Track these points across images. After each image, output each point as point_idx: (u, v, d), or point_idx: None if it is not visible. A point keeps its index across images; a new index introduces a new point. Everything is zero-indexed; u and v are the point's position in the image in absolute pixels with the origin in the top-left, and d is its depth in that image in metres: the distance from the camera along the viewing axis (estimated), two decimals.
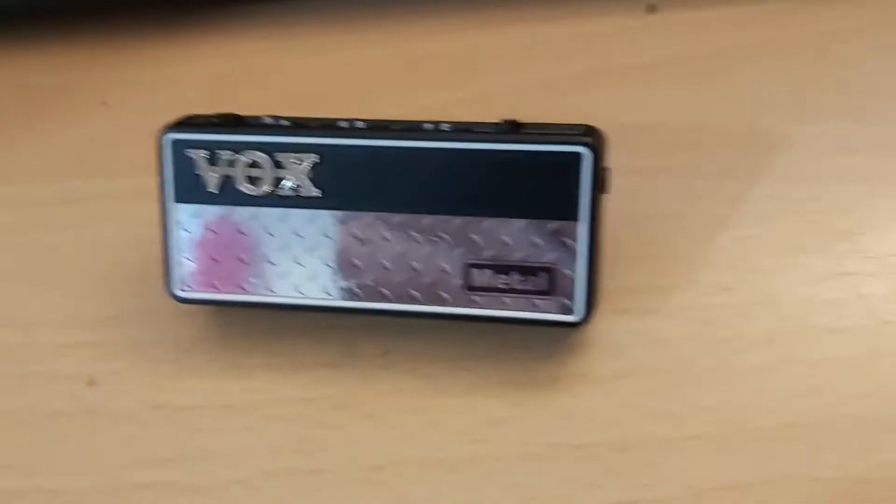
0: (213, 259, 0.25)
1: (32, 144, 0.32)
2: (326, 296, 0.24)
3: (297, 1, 0.34)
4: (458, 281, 0.23)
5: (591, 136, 0.23)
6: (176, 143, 0.24)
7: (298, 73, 0.32)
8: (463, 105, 0.30)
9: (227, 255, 0.24)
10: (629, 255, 0.26)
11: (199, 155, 0.24)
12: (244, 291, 0.25)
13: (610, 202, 0.26)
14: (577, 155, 0.22)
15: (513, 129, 0.23)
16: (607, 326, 0.25)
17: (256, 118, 0.25)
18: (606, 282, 0.26)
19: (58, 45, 0.34)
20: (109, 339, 0.27)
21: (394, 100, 0.31)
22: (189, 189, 0.24)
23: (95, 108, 0.32)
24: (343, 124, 0.24)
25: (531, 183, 0.23)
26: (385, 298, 0.24)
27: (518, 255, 0.23)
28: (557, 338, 0.25)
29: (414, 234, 0.23)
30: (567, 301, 0.23)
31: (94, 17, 0.34)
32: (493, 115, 0.30)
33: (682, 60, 0.30)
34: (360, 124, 0.24)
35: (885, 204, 0.26)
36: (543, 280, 0.23)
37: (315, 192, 0.24)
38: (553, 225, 0.23)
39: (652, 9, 0.32)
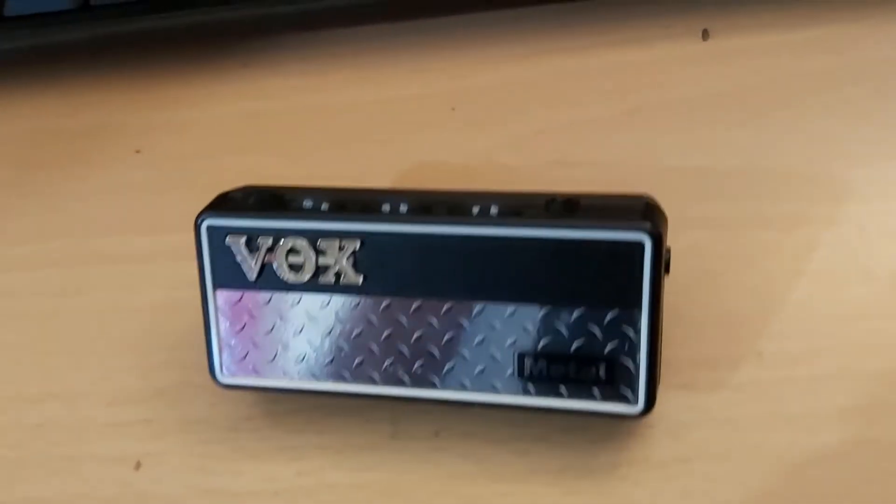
0: (255, 344, 0.24)
1: (65, 196, 0.31)
2: (371, 382, 0.23)
3: (328, 32, 0.32)
4: (510, 369, 0.22)
5: (651, 218, 0.21)
6: (213, 229, 0.23)
7: (331, 113, 0.31)
8: (508, 148, 0.29)
9: (269, 340, 0.24)
10: (690, 321, 0.25)
11: (238, 242, 0.23)
12: (286, 377, 0.24)
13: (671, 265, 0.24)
14: (639, 244, 0.21)
15: (566, 207, 0.22)
16: (669, 404, 0.24)
17: (295, 195, 0.23)
18: (667, 352, 0.24)
19: (88, 86, 0.33)
20: (155, 416, 0.26)
21: (436, 144, 0.29)
22: (228, 275, 0.23)
23: (129, 156, 0.31)
24: (386, 207, 0.22)
25: (588, 270, 0.21)
26: (433, 385, 0.23)
27: (575, 345, 0.22)
28: (616, 419, 0.24)
29: (462, 321, 0.22)
30: (627, 392, 0.22)
31: (124, 56, 0.33)
32: (539, 159, 0.29)
33: (739, 93, 0.28)
34: (403, 207, 0.22)
35: None
36: (602, 370, 0.22)
37: (358, 279, 0.23)
38: (612, 313, 0.21)
39: (706, 35, 0.29)
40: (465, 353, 0.22)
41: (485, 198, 0.22)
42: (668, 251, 0.22)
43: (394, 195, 0.23)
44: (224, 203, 0.23)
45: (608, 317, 0.21)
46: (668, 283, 0.24)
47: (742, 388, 0.24)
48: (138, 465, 0.26)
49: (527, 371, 0.22)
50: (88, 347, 0.28)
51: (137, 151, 0.31)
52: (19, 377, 0.28)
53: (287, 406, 0.25)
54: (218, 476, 0.25)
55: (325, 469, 0.24)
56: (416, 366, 0.23)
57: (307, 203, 0.23)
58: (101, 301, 0.29)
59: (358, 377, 0.23)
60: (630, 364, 0.22)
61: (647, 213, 0.21)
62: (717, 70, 0.29)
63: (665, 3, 0.30)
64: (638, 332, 0.21)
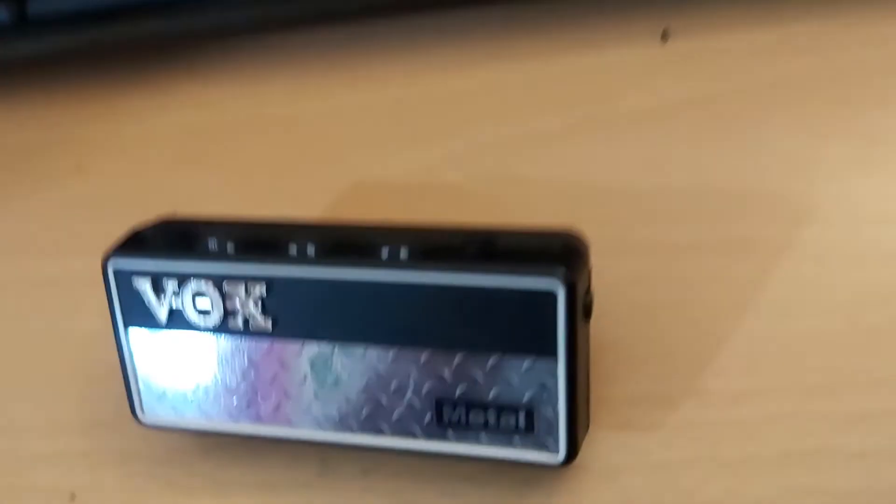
0: (172, 384, 0.23)
1: (4, 215, 0.30)
2: (289, 425, 0.22)
3: (272, 38, 0.31)
4: (428, 416, 0.21)
5: (568, 262, 0.20)
6: (119, 271, 0.22)
7: (274, 125, 0.30)
8: (452, 165, 0.27)
9: (186, 381, 0.23)
10: (628, 356, 0.23)
11: (145, 284, 0.22)
12: (205, 418, 0.23)
13: (607, 288, 0.23)
14: (551, 294, 0.19)
15: (482, 248, 0.21)
16: (603, 445, 0.23)
17: (206, 231, 0.22)
18: (603, 389, 0.23)
19: (29, 101, 0.32)
20: (90, 448, 0.26)
21: (378, 157, 0.28)
22: (140, 314, 0.23)
23: (70, 173, 0.30)
24: (293, 248, 0.21)
25: (502, 317, 0.20)
26: (350, 430, 0.22)
27: (492, 393, 0.21)
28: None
29: (378, 365, 0.21)
30: (548, 440, 0.21)
31: (65, 69, 0.32)
32: (482, 176, 0.27)
33: (695, 104, 0.26)
34: (311, 248, 0.21)
35: None
36: (521, 418, 0.21)
37: (267, 323, 0.22)
38: (528, 362, 0.20)
39: (665, 35, 0.27)
40: (383, 398, 0.22)
41: (399, 236, 0.21)
42: (589, 294, 0.20)
43: (304, 232, 0.22)
44: (133, 241, 0.23)
45: (524, 365, 0.20)
46: (606, 312, 0.23)
47: (680, 429, 0.22)
48: (73, 498, 0.26)
49: (445, 418, 0.21)
50: (25, 375, 0.27)
51: (79, 168, 0.30)
52: None
53: (216, 441, 0.25)
54: None
55: None
56: (331, 411, 0.22)
57: (214, 243, 0.22)
58: (39, 326, 0.28)
59: (276, 419, 0.23)
60: (549, 412, 0.20)
61: (564, 256, 0.20)
62: (674, 76, 0.27)
63: (622, 1, 0.28)
64: (555, 380, 0.20)
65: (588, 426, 0.22)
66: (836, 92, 0.25)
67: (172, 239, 0.22)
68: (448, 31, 0.29)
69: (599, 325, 0.23)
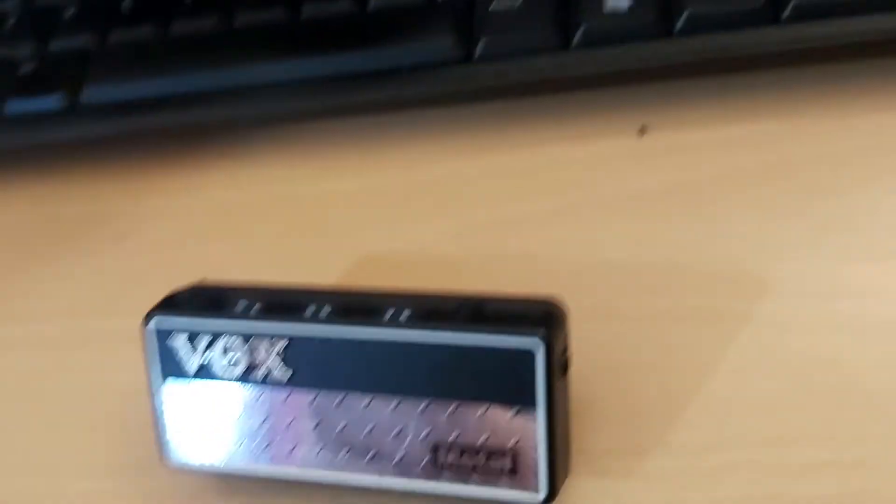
0: (200, 430, 0.26)
1: (56, 279, 0.34)
2: (303, 467, 0.25)
3: (297, 127, 0.35)
4: (426, 459, 0.24)
5: (547, 324, 0.23)
6: (160, 331, 0.25)
7: (295, 203, 0.33)
8: (451, 241, 0.31)
9: (211, 425, 0.26)
10: (605, 411, 0.26)
11: (180, 340, 0.25)
12: (228, 460, 0.26)
13: (587, 350, 0.26)
14: (530, 353, 0.22)
15: (474, 311, 0.24)
16: (581, 491, 0.25)
17: (235, 295, 0.26)
18: (583, 441, 0.26)
19: (79, 178, 0.36)
20: (120, 489, 0.29)
21: (387, 233, 0.32)
22: (172, 367, 0.26)
23: (113, 244, 0.34)
24: (310, 311, 0.24)
25: (490, 372, 0.23)
26: (358, 471, 0.25)
27: (482, 437, 0.24)
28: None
29: (382, 413, 0.24)
30: (530, 481, 0.23)
31: (112, 150, 0.36)
32: (478, 252, 0.30)
33: (669, 190, 0.30)
34: (326, 309, 0.24)
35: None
36: (508, 461, 0.24)
37: (287, 373, 0.25)
38: (513, 411, 0.23)
39: (643, 130, 0.31)
40: (386, 443, 0.24)
41: (402, 300, 0.24)
42: (566, 353, 0.23)
43: (320, 296, 0.25)
44: (171, 303, 0.26)
45: (510, 414, 0.23)
46: (585, 371, 0.26)
47: (649, 476, 0.25)
48: None
49: (440, 460, 0.24)
50: (64, 423, 0.30)
51: (121, 238, 0.34)
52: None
53: (236, 483, 0.28)
54: None
55: None
56: (341, 454, 0.25)
57: (242, 305, 0.25)
58: (79, 379, 0.31)
59: (291, 461, 0.25)
60: (531, 457, 0.23)
61: (544, 319, 0.23)
62: (650, 166, 0.30)
63: (605, 100, 0.32)
64: (535, 427, 0.23)
65: (568, 472, 0.25)
66: (791, 182, 0.29)
67: (204, 302, 0.26)
68: (454, 124, 0.33)
69: (581, 384, 0.26)
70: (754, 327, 0.27)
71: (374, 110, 0.34)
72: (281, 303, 0.25)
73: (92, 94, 0.34)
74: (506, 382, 0.23)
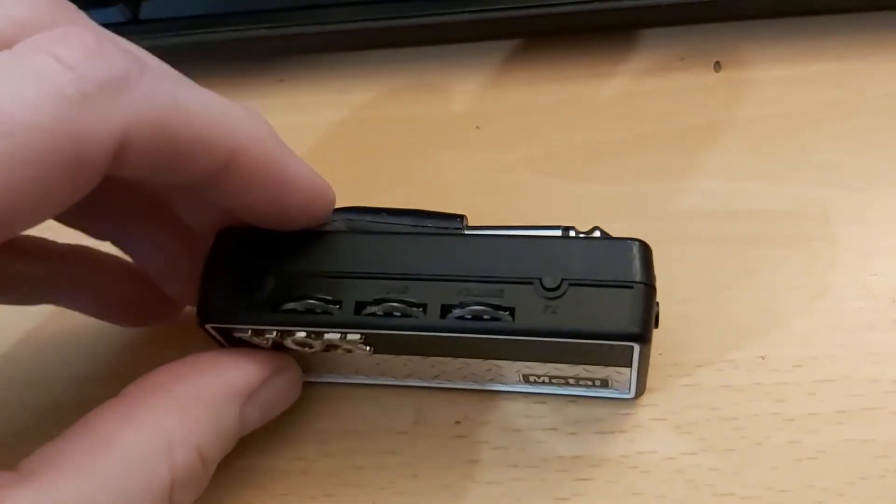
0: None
1: None
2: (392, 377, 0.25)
3: (359, 53, 0.34)
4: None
5: (642, 309, 0.21)
6: (220, 329, 0.24)
7: (360, 128, 0.33)
8: (526, 167, 0.31)
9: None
10: (699, 329, 0.26)
11: (245, 334, 0.23)
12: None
13: (680, 276, 0.26)
14: (629, 347, 0.22)
15: (553, 289, 0.22)
16: (678, 403, 0.25)
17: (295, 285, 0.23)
18: (676, 355, 0.26)
19: None
20: None
21: (460, 160, 0.31)
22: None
23: None
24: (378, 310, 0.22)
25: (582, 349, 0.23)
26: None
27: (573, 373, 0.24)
28: (626, 416, 0.25)
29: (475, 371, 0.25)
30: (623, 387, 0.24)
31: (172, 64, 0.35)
32: (555, 176, 0.30)
33: (751, 121, 0.30)
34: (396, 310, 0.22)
35: None
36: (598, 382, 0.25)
37: (366, 349, 0.24)
38: (605, 372, 0.24)
39: (718, 66, 0.32)
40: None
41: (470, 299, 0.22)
42: (657, 308, 0.22)
43: (389, 283, 0.23)
44: (220, 285, 0.23)
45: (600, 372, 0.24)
46: (681, 292, 0.26)
47: (746, 389, 0.25)
48: None
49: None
50: None
51: None
52: None
53: (315, 394, 0.27)
54: (249, 457, 0.26)
55: (352, 452, 0.26)
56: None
57: (304, 304, 0.23)
58: None
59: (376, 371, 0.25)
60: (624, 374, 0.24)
61: (636, 303, 0.21)
62: (727, 99, 0.31)
63: (680, 37, 0.33)
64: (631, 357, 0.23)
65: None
66: (867, 118, 0.29)
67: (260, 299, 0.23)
68: (525, 55, 0.33)
69: (673, 304, 0.26)
70: (840, 250, 0.27)
71: (440, 40, 0.34)
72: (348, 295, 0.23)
73: (151, 8, 0.34)
74: (605, 357, 0.23)
